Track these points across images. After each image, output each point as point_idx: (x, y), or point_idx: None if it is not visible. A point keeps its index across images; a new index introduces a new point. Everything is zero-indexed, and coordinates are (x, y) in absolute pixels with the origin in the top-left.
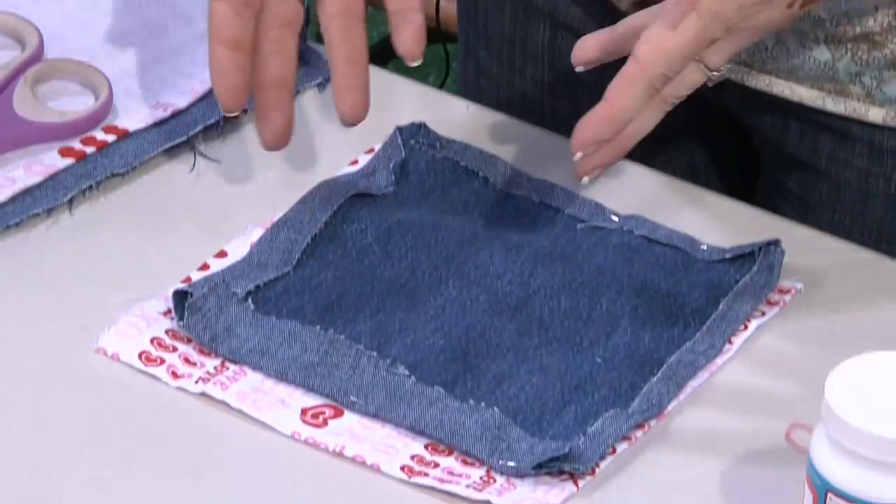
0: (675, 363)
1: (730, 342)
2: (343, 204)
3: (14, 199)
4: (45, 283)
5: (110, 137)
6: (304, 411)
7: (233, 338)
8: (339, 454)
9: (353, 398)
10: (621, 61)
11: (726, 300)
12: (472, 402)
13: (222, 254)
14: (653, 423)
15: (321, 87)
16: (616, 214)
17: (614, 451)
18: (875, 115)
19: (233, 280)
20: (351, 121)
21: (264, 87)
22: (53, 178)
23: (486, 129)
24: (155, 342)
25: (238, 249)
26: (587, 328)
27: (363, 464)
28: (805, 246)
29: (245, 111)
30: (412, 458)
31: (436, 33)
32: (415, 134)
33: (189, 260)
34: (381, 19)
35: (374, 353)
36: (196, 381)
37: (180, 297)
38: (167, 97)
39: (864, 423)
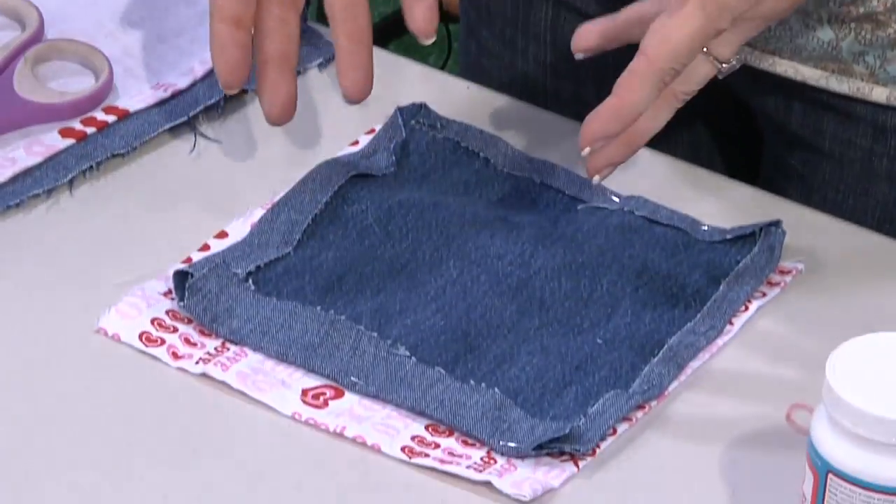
0: (676, 344)
1: (730, 323)
2: (343, 184)
3: (14, 179)
4: (46, 263)
5: (111, 118)
6: (304, 392)
7: (233, 318)
8: (340, 435)
9: (353, 379)
10: (622, 50)
11: (727, 281)
12: (472, 382)
13: (223, 234)
14: (653, 404)
15: (322, 67)
16: (617, 195)
17: (615, 431)
18: (879, 94)
19: (233, 261)
20: (354, 98)
21: (267, 63)
22: (54, 159)
23: (487, 109)
24: (155, 323)
25: (238, 230)
26: (588, 309)
27: (364, 444)
28: (806, 226)
29: (245, 91)
30: (413, 438)
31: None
32: (415, 114)
33: (189, 240)
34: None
35: (375, 334)
36: (196, 362)
37: (181, 277)
38: (168, 77)
39: (865, 404)
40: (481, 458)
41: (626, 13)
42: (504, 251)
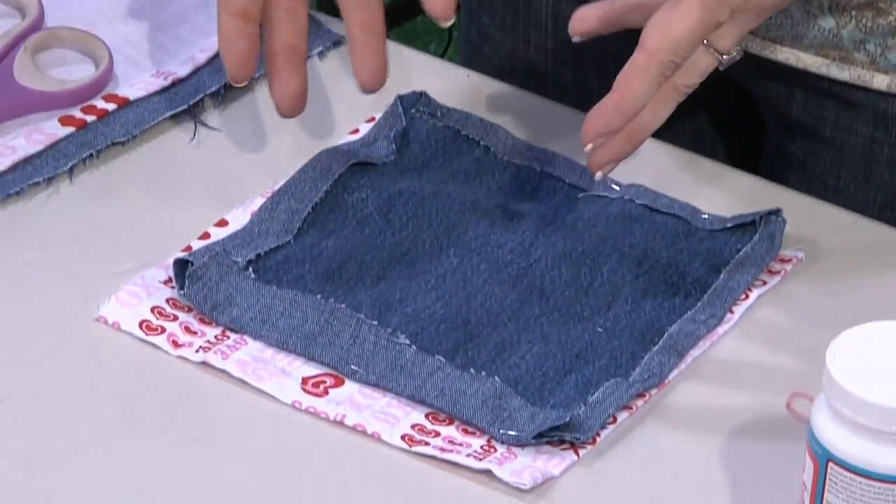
0: (676, 333)
1: (731, 312)
2: (344, 173)
3: (14, 167)
4: (46, 252)
5: (111, 106)
6: (304, 380)
7: (233, 307)
8: (340, 423)
9: (353, 367)
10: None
11: (727, 270)
12: (472, 371)
13: (223, 223)
14: (654, 392)
15: (322, 55)
16: (617, 184)
17: (615, 420)
18: (879, 82)
19: (234, 249)
20: (370, 87)
21: (276, 55)
22: (54, 147)
23: (488, 97)
24: (155, 311)
25: (239, 218)
26: (588, 297)
27: (364, 433)
28: (807, 215)
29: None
30: (413, 427)
31: None
32: (416, 103)
33: (190, 229)
34: None
35: (375, 323)
36: (197, 350)
37: (181, 265)
38: (168, 65)
39: (865, 393)
40: (481, 447)
41: None
42: (504, 240)
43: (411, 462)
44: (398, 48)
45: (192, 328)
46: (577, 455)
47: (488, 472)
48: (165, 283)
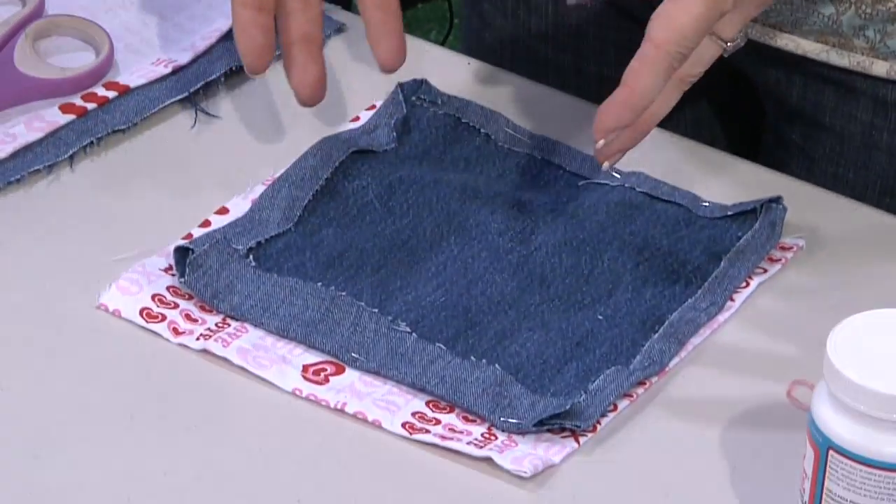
0: (677, 320)
1: (731, 299)
2: (344, 161)
3: (15, 155)
4: (46, 239)
5: (111, 93)
6: (305, 368)
7: (234, 294)
8: (341, 411)
9: (354, 355)
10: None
11: (728, 257)
12: (473, 359)
13: (223, 210)
14: (654, 380)
15: (324, 42)
16: (618, 172)
17: (615, 408)
18: (879, 68)
19: (234, 237)
20: (390, 67)
21: (293, 44)
22: (54, 135)
23: (488, 85)
24: (156, 299)
25: (239, 206)
26: (588, 285)
27: (364, 420)
28: (807, 203)
29: None
30: (413, 414)
31: None
32: (416, 90)
33: (190, 216)
34: None
35: (376, 310)
36: (197, 338)
37: (182, 253)
38: (168, 53)
39: (866, 381)
40: (482, 435)
41: None
42: (505, 227)
43: (412, 450)
44: None
45: (192, 316)
46: (578, 443)
47: (489, 460)
48: (166, 270)
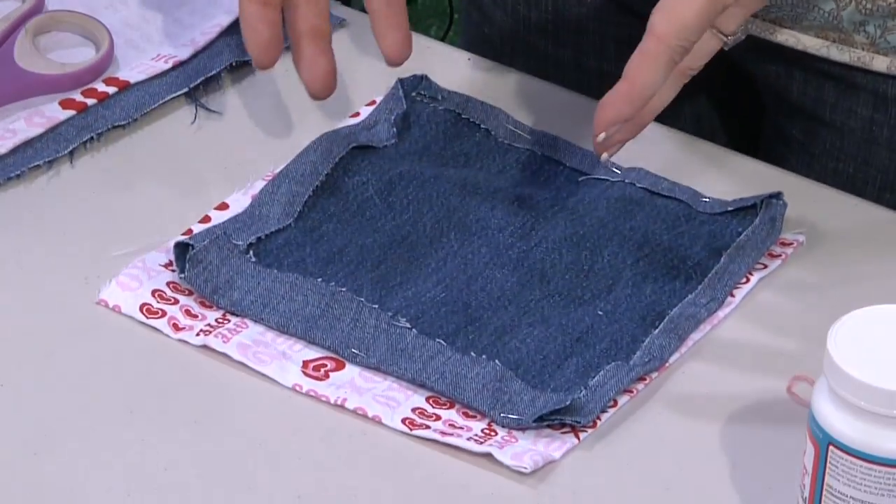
0: (677, 316)
1: (731, 295)
2: (344, 156)
3: (15, 150)
4: (46, 235)
5: (111, 89)
6: (305, 364)
7: (234, 290)
8: (341, 406)
9: (354, 351)
10: (623, 20)
11: (728, 253)
12: (473, 354)
13: (223, 206)
14: (654, 375)
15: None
16: (618, 167)
17: (616, 403)
18: (879, 63)
19: (234, 232)
20: (396, 60)
21: (302, 38)
22: (54, 130)
23: (488, 81)
24: (156, 294)
25: (239, 202)
26: (589, 281)
27: (364, 416)
28: (807, 198)
29: (249, 63)
30: (413, 410)
31: None
32: (416, 86)
33: (190, 212)
34: None
35: (376, 306)
36: (197, 334)
37: (182, 249)
38: (168, 49)
39: (866, 376)
40: (482, 430)
41: None
42: (505, 223)
43: (412, 446)
44: None
45: (192, 311)
46: (578, 438)
47: (489, 456)
48: (166, 266)
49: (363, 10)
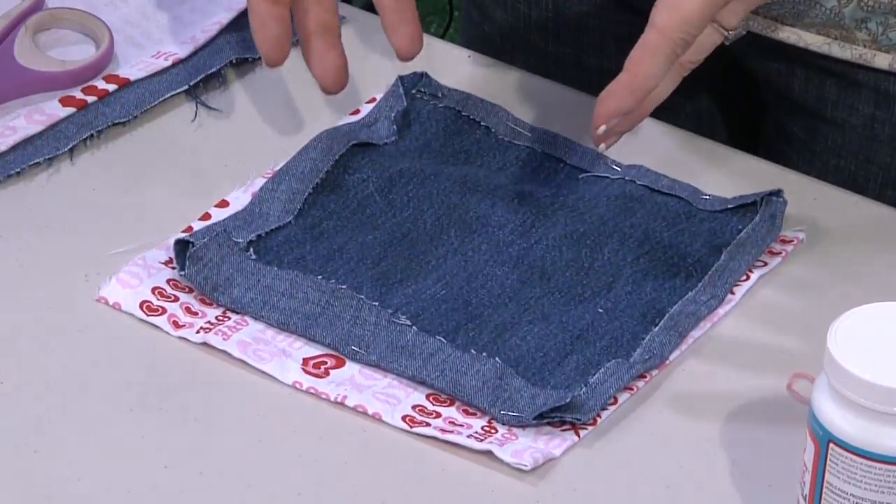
0: (677, 313)
1: (732, 292)
2: (345, 154)
3: (15, 147)
4: (47, 232)
5: (111, 86)
6: (305, 361)
7: (234, 287)
8: (341, 404)
9: (354, 348)
10: (623, 17)
11: (728, 250)
12: (473, 352)
13: (224, 203)
14: (654, 373)
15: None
16: (618, 164)
17: (616, 401)
18: (881, 60)
19: (234, 230)
20: (407, 55)
21: (312, 34)
22: (54, 127)
23: (488, 78)
24: (156, 292)
25: (240, 199)
26: (589, 278)
27: (365, 413)
28: (808, 196)
29: (247, 60)
30: (414, 408)
31: None
32: (416, 83)
33: (190, 209)
34: None
35: (376, 303)
36: (197, 331)
37: (182, 246)
38: (168, 46)
39: (867, 374)
40: (482, 428)
41: None
42: (505, 220)
43: (412, 443)
44: None
45: (192, 309)
46: (578, 436)
47: (489, 453)
48: (166, 263)
49: (364, 7)
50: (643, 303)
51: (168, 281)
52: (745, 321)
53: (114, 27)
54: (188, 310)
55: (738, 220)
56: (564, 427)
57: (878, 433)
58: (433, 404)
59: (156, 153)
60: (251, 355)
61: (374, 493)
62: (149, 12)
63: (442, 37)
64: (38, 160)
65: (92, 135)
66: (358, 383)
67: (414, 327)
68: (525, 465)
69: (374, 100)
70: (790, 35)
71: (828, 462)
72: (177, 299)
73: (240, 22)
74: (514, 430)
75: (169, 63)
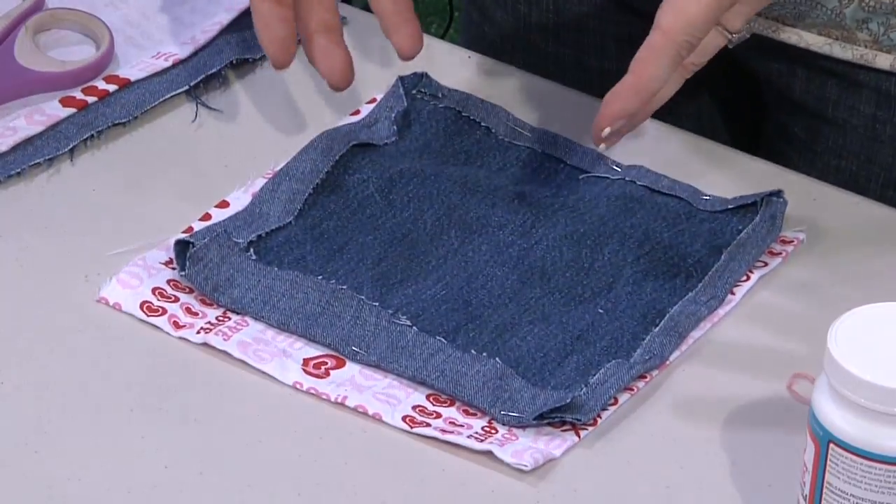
0: (677, 314)
1: (732, 293)
2: (345, 154)
3: (15, 148)
4: (47, 232)
5: (112, 87)
6: (305, 361)
7: (234, 288)
8: (341, 404)
9: (354, 348)
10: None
11: (728, 251)
12: (473, 352)
13: (224, 204)
14: (655, 373)
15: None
16: (618, 165)
17: (616, 401)
18: (882, 61)
19: (234, 230)
20: (409, 54)
21: (315, 34)
22: (55, 128)
23: (489, 78)
24: (157, 292)
25: (240, 199)
26: (589, 279)
27: (365, 414)
28: (808, 196)
29: (248, 60)
30: (414, 408)
31: None
32: (417, 84)
33: (191, 210)
34: None
35: (376, 304)
36: (198, 332)
37: (182, 246)
38: (169, 47)
39: (867, 374)
40: (482, 428)
41: None
42: (505, 221)
43: (412, 443)
44: None
45: (193, 309)
46: (579, 436)
47: (489, 454)
48: (166, 264)
49: (363, 7)
50: (643, 303)
51: (168, 281)
52: (745, 322)
53: (114, 28)
54: (188, 310)
55: (739, 221)
56: (565, 427)
57: (878, 433)
58: (433, 405)
59: (156, 154)
60: (251, 356)
61: (374, 493)
62: (149, 13)
63: (442, 37)
64: (38, 160)
65: (92, 135)
66: (358, 384)
67: (414, 328)
68: (525, 466)
69: (374, 100)
70: (791, 36)
71: (828, 462)
72: (177, 300)
73: (240, 22)
74: (515, 430)
75: (169, 63)
